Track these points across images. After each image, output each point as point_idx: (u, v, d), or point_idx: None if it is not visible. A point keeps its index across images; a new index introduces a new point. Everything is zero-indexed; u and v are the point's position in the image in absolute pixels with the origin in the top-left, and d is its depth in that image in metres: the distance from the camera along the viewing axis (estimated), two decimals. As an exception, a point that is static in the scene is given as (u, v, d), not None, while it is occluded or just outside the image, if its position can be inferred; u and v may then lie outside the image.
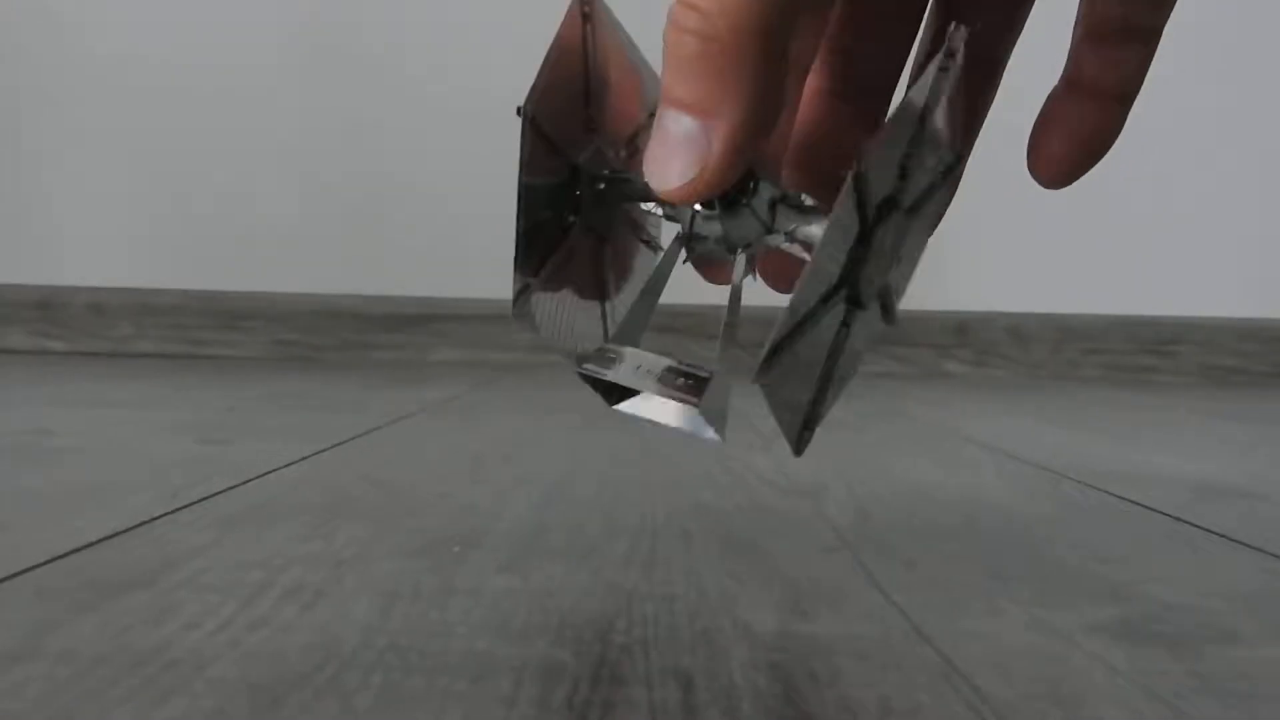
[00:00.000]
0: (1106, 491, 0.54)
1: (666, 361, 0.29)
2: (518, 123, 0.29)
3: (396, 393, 0.99)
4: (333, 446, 0.62)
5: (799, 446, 0.30)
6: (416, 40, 1.38)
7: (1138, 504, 0.51)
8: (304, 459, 0.57)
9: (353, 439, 0.65)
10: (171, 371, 1.18)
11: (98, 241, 1.41)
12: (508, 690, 0.25)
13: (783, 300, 0.26)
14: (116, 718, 0.23)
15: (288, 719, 0.23)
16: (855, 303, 0.29)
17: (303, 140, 1.40)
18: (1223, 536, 0.44)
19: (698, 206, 0.30)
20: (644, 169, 0.26)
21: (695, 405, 0.27)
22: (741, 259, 0.30)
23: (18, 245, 1.41)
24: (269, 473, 0.52)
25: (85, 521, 0.40)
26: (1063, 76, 0.32)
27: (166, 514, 0.42)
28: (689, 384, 0.28)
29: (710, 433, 0.28)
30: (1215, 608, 0.34)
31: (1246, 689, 0.27)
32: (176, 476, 0.51)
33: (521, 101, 0.29)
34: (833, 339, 0.29)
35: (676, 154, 0.25)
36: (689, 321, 1.14)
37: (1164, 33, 0.31)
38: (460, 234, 1.35)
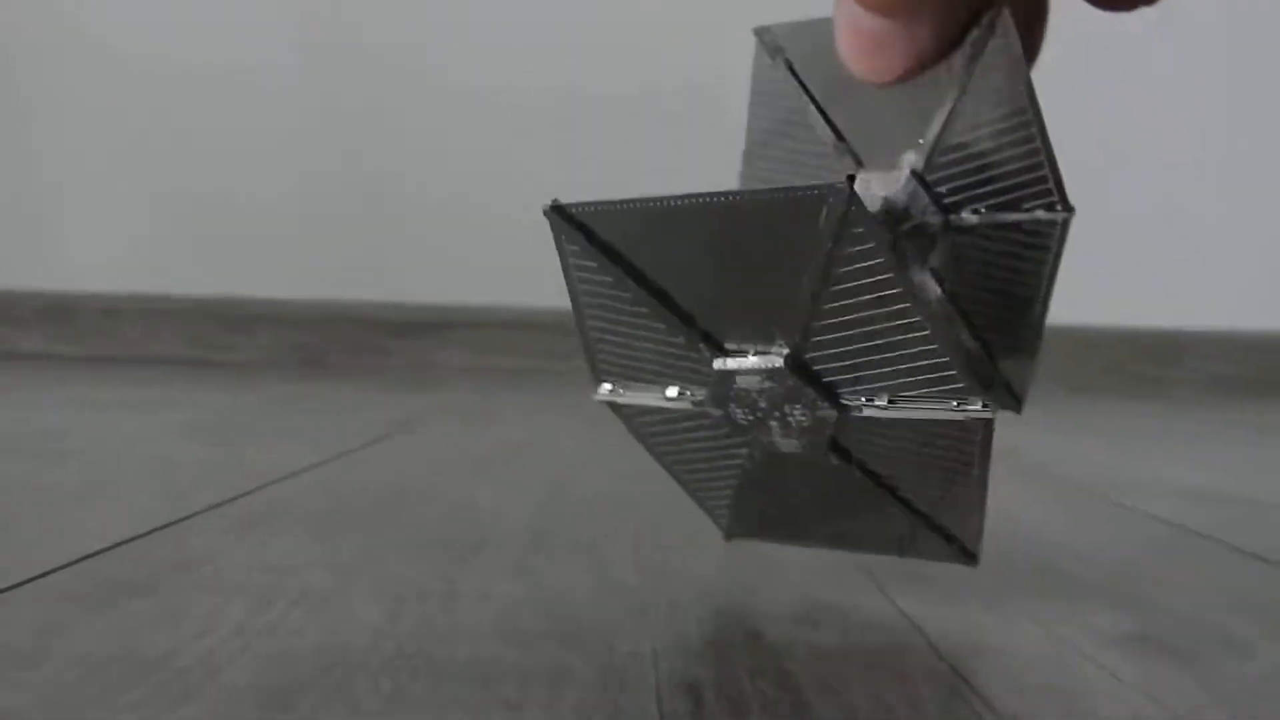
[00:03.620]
0: (1116, 502, 0.54)
1: None
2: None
3: (406, 398, 0.99)
4: (341, 451, 0.62)
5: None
6: (430, 45, 1.39)
7: (1148, 514, 0.50)
8: (314, 464, 0.57)
9: (362, 445, 0.66)
10: (182, 376, 1.18)
11: (109, 247, 1.41)
12: (514, 695, 0.25)
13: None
14: (126, 721, 0.23)
15: (296, 723, 0.23)
16: None
17: (314, 145, 1.41)
18: (1233, 547, 0.44)
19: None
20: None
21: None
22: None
23: (30, 250, 1.42)
24: (279, 478, 0.52)
25: (96, 525, 0.41)
26: None
27: (177, 519, 0.43)
28: None
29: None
30: (1225, 619, 0.33)
31: (1256, 701, 0.27)
32: (187, 481, 0.51)
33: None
34: None
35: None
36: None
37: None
38: (472, 240, 1.36)
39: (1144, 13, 0.29)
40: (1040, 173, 0.32)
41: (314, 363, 1.36)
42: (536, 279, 1.30)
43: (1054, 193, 0.32)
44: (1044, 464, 0.66)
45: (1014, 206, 0.32)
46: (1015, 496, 0.54)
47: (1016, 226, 0.32)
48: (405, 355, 1.37)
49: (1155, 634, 0.32)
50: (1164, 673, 0.28)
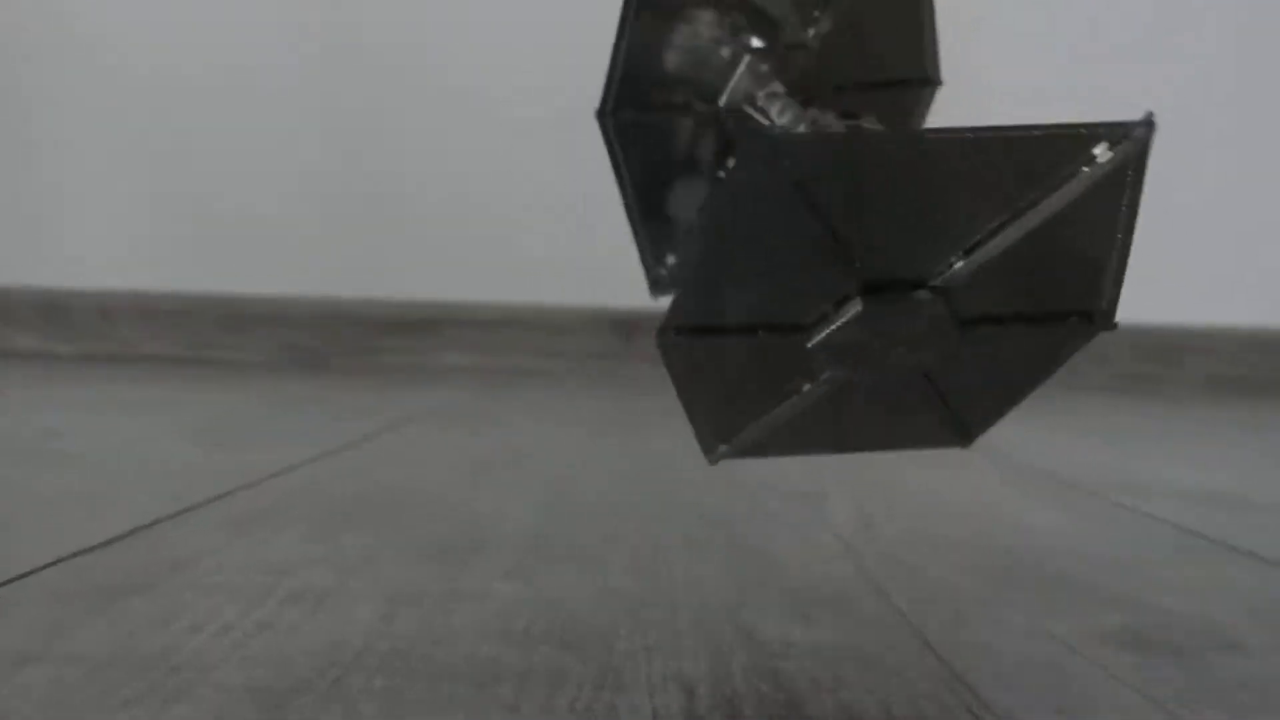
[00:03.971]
0: (1112, 500, 0.54)
1: None
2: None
3: (403, 398, 0.99)
4: (339, 451, 0.62)
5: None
6: (430, 45, 1.39)
7: (1144, 513, 0.50)
8: (310, 463, 0.57)
9: (359, 444, 0.66)
10: (178, 375, 1.18)
11: (105, 245, 1.41)
12: (511, 696, 0.25)
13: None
14: None
15: (292, 722, 0.23)
16: None
17: (311, 144, 1.41)
18: (1229, 546, 0.44)
19: None
20: None
21: None
22: None
23: (26, 248, 1.42)
24: (275, 476, 0.52)
25: (92, 524, 0.41)
26: None
27: (172, 516, 0.43)
28: None
29: None
30: (1221, 618, 0.33)
31: (1252, 699, 0.27)
32: (182, 480, 0.51)
33: None
34: None
35: None
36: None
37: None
38: (472, 240, 1.36)
39: None
40: (922, 53, 0.34)
41: (312, 362, 1.36)
42: (536, 278, 1.30)
43: (928, 66, 0.34)
44: (1043, 464, 0.66)
45: (892, 83, 0.35)
46: (1014, 497, 0.54)
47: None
48: (404, 355, 1.37)
49: (1153, 633, 0.32)
50: (1161, 671, 0.28)
